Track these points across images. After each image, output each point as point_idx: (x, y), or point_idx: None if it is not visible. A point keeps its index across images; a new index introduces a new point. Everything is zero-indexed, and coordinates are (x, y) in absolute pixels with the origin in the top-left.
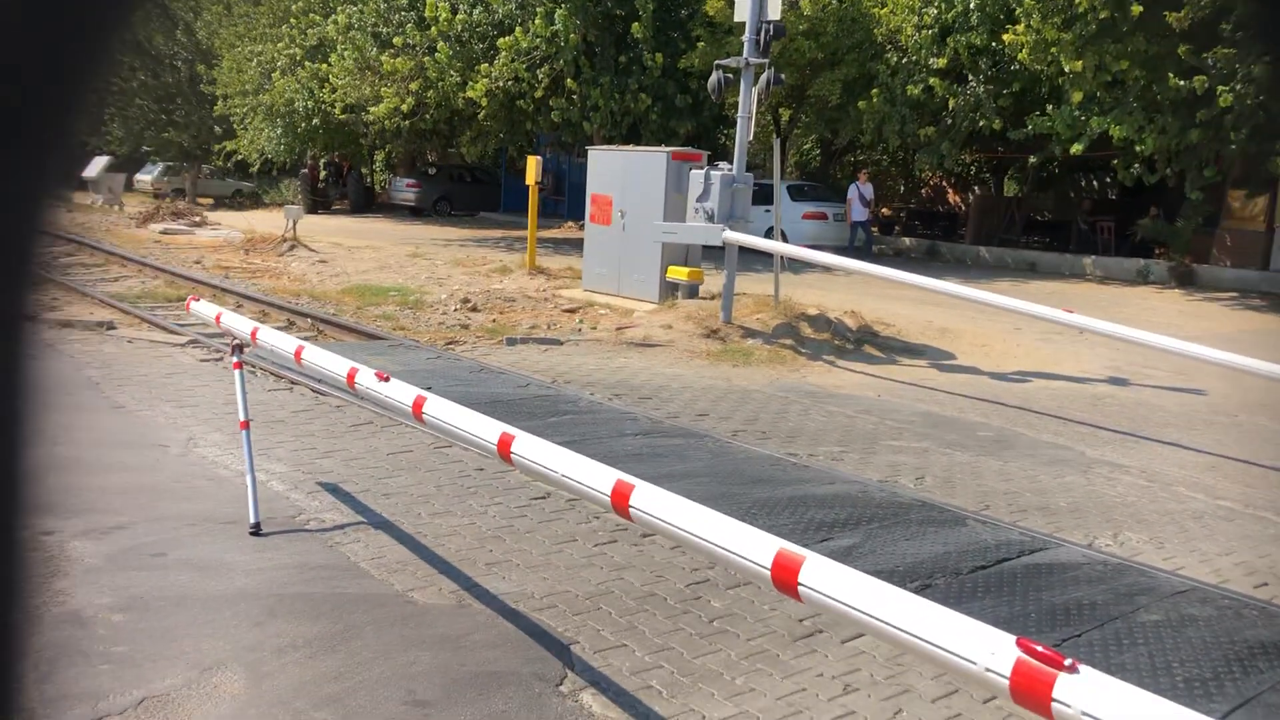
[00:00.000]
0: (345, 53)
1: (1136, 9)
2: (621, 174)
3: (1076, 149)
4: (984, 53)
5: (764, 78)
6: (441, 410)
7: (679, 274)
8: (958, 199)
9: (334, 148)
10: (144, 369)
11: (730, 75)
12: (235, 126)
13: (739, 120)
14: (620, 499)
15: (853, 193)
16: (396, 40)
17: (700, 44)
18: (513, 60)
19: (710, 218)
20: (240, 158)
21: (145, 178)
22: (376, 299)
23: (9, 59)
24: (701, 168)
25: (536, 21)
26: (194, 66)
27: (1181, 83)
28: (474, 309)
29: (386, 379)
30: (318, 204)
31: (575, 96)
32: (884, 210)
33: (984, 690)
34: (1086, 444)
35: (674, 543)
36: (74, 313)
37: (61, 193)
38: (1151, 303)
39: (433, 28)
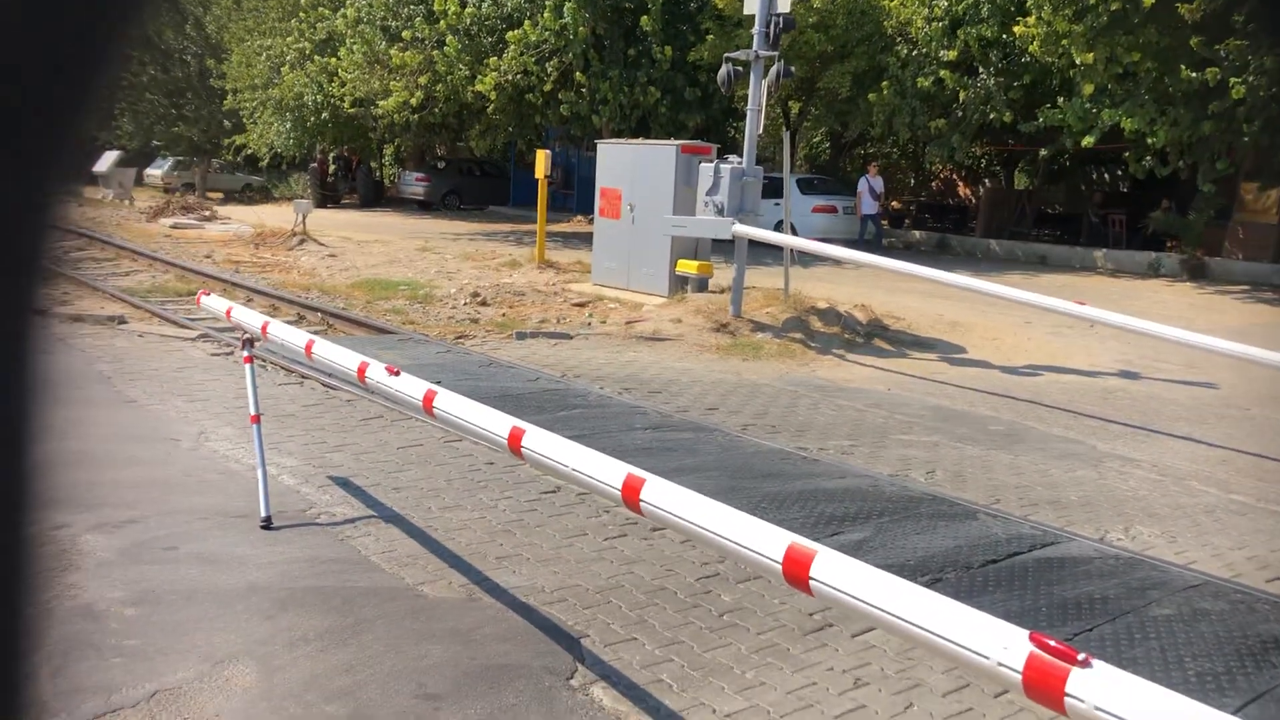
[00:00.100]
0: (354, 46)
1: (1148, 0)
2: (630, 168)
3: (1088, 141)
4: (995, 45)
5: (773, 70)
6: (452, 404)
7: (688, 268)
8: (968, 192)
9: (343, 142)
10: (155, 363)
11: (740, 68)
12: (244, 121)
13: (748, 113)
14: (631, 493)
15: (863, 186)
16: (405, 34)
17: (709, 37)
18: (521, 54)
19: (720, 211)
20: (249, 152)
21: (155, 172)
22: (386, 293)
23: (18, 54)
24: (711, 161)
25: (545, 15)
26: (203, 61)
27: (1194, 74)
28: (483, 303)
29: (397, 373)
30: (327, 198)
31: (584, 90)
32: (894, 203)
33: (996, 685)
34: (1098, 438)
35: (684, 537)
36: (85, 307)
37: (72, 187)
38: (1163, 296)
39: (441, 21)
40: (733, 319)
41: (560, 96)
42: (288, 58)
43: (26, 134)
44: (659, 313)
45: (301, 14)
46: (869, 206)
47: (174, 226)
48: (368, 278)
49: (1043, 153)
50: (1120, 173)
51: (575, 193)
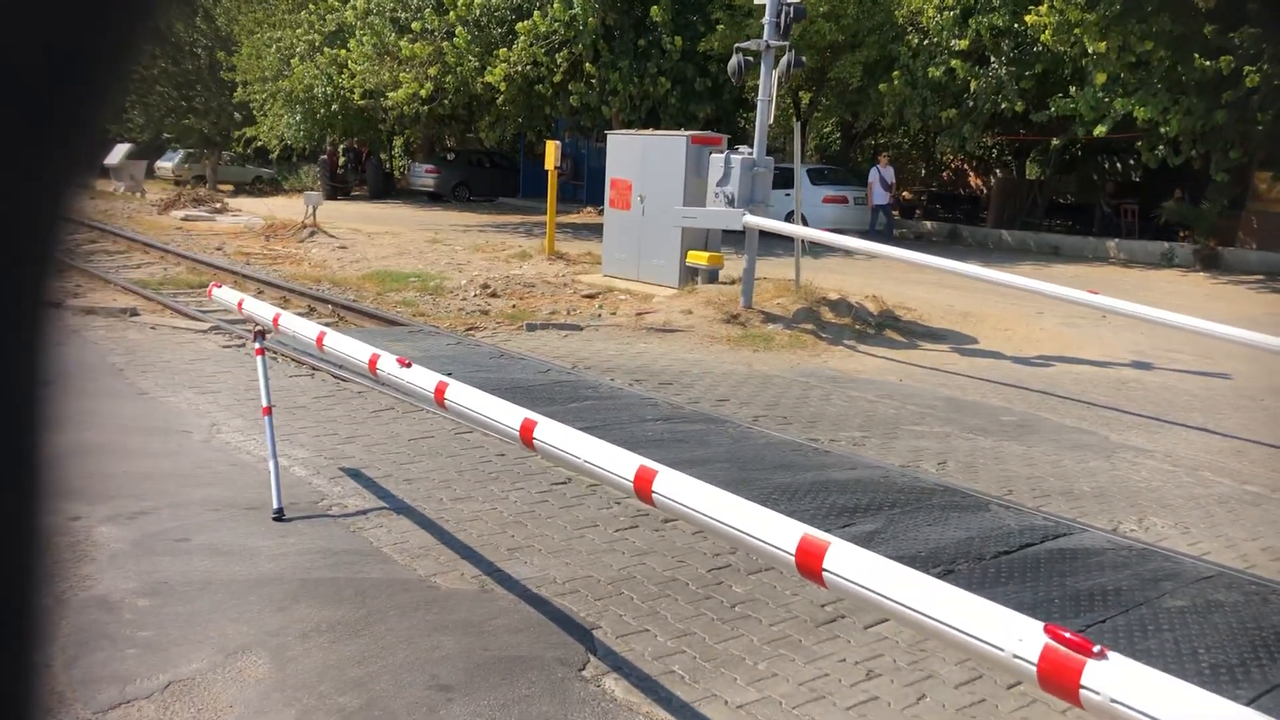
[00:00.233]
0: (364, 38)
1: None
2: (641, 158)
3: (1100, 131)
4: (1006, 34)
5: (784, 60)
6: (464, 396)
7: (699, 259)
8: (979, 182)
9: (353, 133)
10: (167, 355)
11: (750, 58)
12: (255, 113)
13: (759, 104)
14: (643, 484)
15: (873, 176)
16: (415, 25)
17: (720, 27)
18: (531, 44)
19: (730, 202)
20: (260, 144)
21: (166, 164)
22: (396, 285)
23: (31, 47)
24: (721, 152)
25: (555, 5)
26: (214, 53)
27: (1207, 63)
28: (493, 294)
29: (408, 365)
30: (337, 190)
31: (594, 80)
32: (905, 194)
33: (1009, 676)
34: (1110, 428)
35: (695, 528)
36: (97, 299)
37: (85, 180)
38: (1176, 286)
39: (451, 12)
40: (743, 310)
41: (570, 87)
42: (297, 50)
43: (41, 125)
44: (669, 304)
45: (311, 6)
46: (880, 197)
47: (185, 219)
48: (378, 269)
49: (1054, 142)
50: (1133, 162)
51: (585, 184)
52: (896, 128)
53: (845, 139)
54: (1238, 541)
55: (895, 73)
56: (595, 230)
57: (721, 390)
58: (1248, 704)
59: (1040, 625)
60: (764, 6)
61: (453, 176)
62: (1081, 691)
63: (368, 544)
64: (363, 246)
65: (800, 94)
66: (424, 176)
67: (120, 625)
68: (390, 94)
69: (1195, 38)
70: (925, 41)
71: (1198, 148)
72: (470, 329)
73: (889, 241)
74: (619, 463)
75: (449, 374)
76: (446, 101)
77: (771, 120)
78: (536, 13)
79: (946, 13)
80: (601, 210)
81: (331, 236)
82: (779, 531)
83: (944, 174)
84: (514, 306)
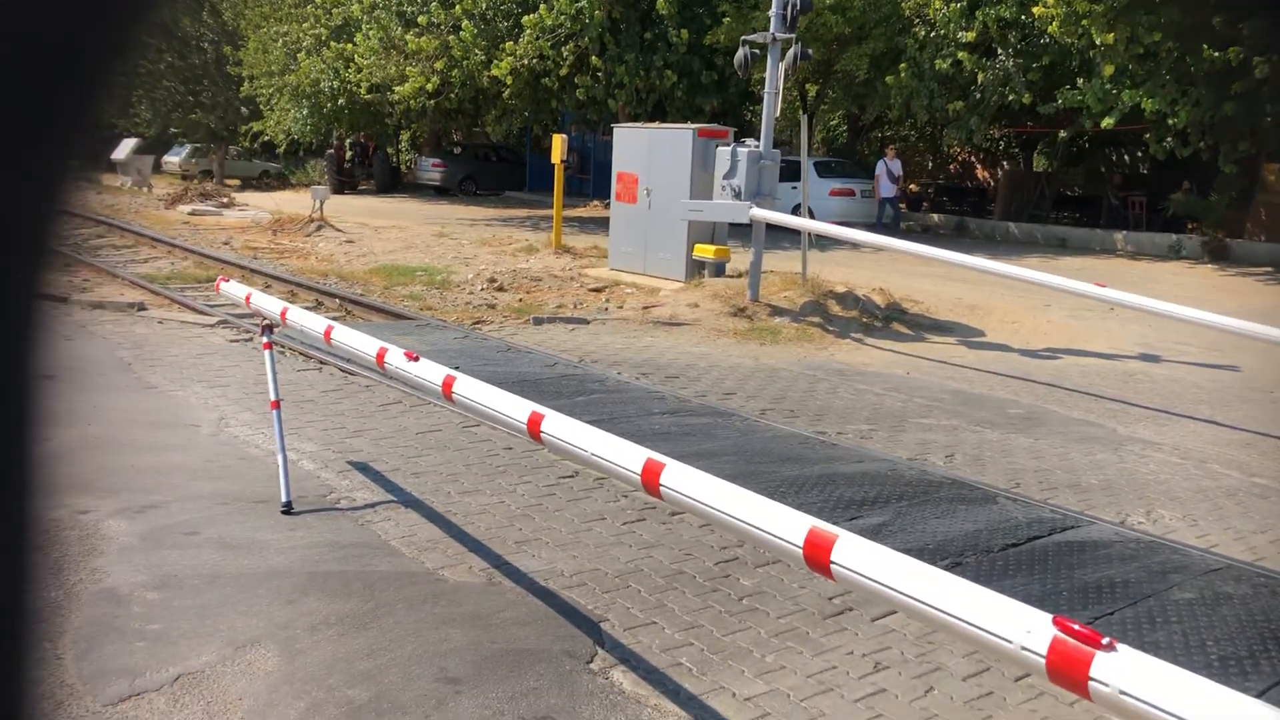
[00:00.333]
0: (370, 32)
1: None
2: (647, 152)
3: (1108, 123)
4: (1013, 26)
5: (790, 53)
6: (471, 390)
7: (705, 252)
8: (986, 174)
9: (359, 128)
10: (175, 349)
11: (756, 51)
12: (261, 107)
13: (765, 96)
14: (651, 477)
15: (880, 169)
16: (421, 19)
17: (726, 20)
18: (537, 38)
19: (737, 195)
20: (267, 138)
21: (173, 159)
22: (403, 279)
23: (38, 42)
24: (728, 145)
25: None
26: (220, 48)
27: (1216, 54)
28: (500, 288)
29: (415, 358)
30: (344, 184)
31: (600, 74)
32: (912, 186)
33: (1017, 668)
34: (1118, 421)
35: (703, 521)
36: (105, 294)
37: (91, 175)
38: (1184, 278)
39: (457, 6)
40: (750, 303)
41: (576, 81)
42: (304, 44)
43: (42, 120)
44: (676, 297)
45: (317, 0)
46: (887, 189)
47: (192, 213)
48: (385, 263)
49: (1062, 134)
50: (1140, 154)
51: (591, 177)
52: (903, 120)
53: (852, 131)
54: (1246, 534)
55: (902, 65)
56: (602, 224)
57: (728, 383)
58: (1257, 696)
59: (1049, 617)
60: None
61: (459, 170)
62: (1090, 683)
63: (376, 537)
64: (370, 241)
65: (807, 87)
66: (430, 170)
67: (130, 618)
68: (397, 88)
69: (1203, 29)
70: (932, 33)
71: (1206, 139)
72: (477, 323)
73: (896, 234)
74: (626, 456)
75: (456, 367)
76: (453, 95)
77: (778, 113)
78: (542, 6)
79: (953, 5)
80: (608, 204)
81: (338, 231)
82: (787, 524)
83: (951, 166)
84: (521, 300)
